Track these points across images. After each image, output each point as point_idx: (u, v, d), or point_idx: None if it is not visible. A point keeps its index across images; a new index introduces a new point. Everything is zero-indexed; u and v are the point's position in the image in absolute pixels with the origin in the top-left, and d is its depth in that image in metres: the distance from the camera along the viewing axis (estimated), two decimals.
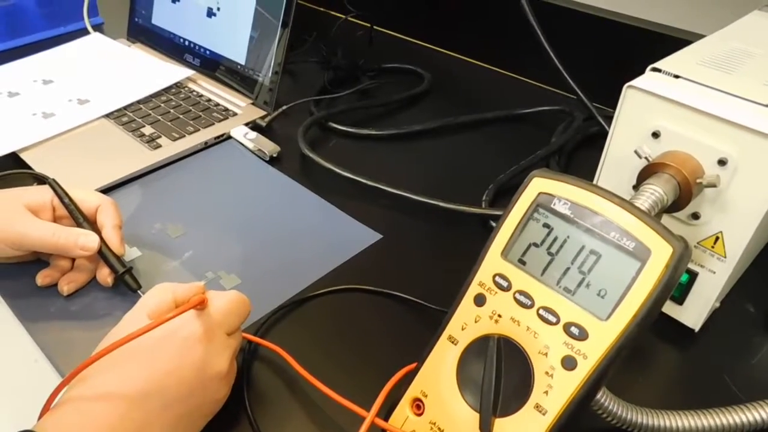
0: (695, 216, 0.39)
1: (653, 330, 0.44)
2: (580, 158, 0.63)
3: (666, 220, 0.40)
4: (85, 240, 0.43)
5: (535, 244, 0.31)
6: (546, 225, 0.31)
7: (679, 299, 0.43)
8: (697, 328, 0.43)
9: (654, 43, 0.66)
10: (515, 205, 0.32)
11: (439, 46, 0.89)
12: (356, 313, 0.45)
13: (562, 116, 0.68)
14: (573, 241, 0.30)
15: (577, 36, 0.72)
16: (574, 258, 0.30)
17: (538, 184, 0.32)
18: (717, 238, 0.39)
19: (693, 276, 0.41)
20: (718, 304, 0.45)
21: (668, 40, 0.65)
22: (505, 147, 0.65)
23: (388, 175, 0.56)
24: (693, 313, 0.43)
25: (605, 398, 0.33)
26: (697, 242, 0.40)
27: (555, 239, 0.30)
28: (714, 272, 0.40)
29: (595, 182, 0.44)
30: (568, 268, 0.30)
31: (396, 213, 0.55)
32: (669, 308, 0.44)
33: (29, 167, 0.57)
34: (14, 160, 0.59)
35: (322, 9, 1.00)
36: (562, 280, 0.30)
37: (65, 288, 0.45)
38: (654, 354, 0.43)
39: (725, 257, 0.39)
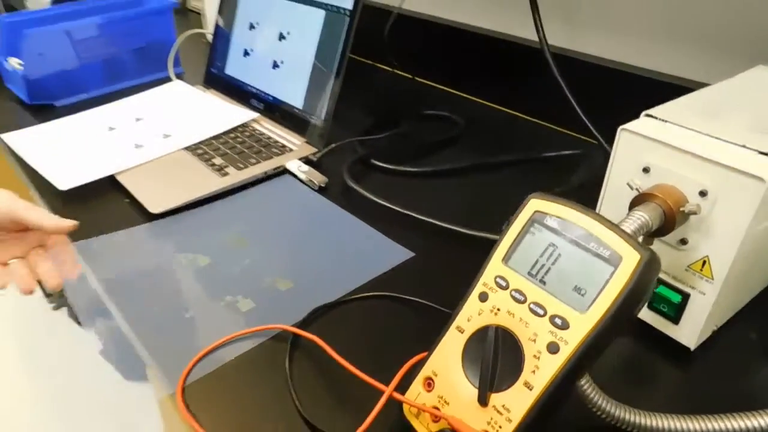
0: (683, 241, 0.45)
1: (653, 348, 0.49)
2: (596, 195, 0.69)
3: (658, 244, 0.46)
4: None
5: (530, 252, 0.37)
6: (539, 237, 0.37)
7: (675, 319, 0.48)
8: (692, 347, 0.48)
9: (668, 94, 0.72)
10: (515, 220, 0.39)
11: (472, 94, 0.97)
12: (384, 315, 0.52)
13: (582, 159, 0.75)
14: (560, 250, 0.36)
15: (600, 87, 0.79)
16: (560, 263, 0.36)
17: (535, 204, 0.38)
18: (704, 262, 0.44)
19: (685, 297, 0.46)
20: (716, 327, 0.49)
21: (682, 90, 0.71)
22: (527, 185, 0.71)
23: (420, 205, 0.64)
24: (688, 332, 0.48)
25: (601, 400, 0.37)
26: (687, 266, 0.45)
27: (546, 248, 0.37)
28: (704, 293, 0.45)
29: (597, 210, 0.50)
30: (553, 271, 0.36)
31: (427, 238, 0.62)
32: (666, 327, 0.49)
33: (124, 188, 0.68)
34: (112, 181, 0.70)
35: (369, 62, 1.11)
36: (548, 280, 0.36)
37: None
38: (652, 372, 0.48)
39: (713, 279, 0.44)
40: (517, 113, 0.92)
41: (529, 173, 0.75)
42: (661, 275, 0.47)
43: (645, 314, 0.50)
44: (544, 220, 0.38)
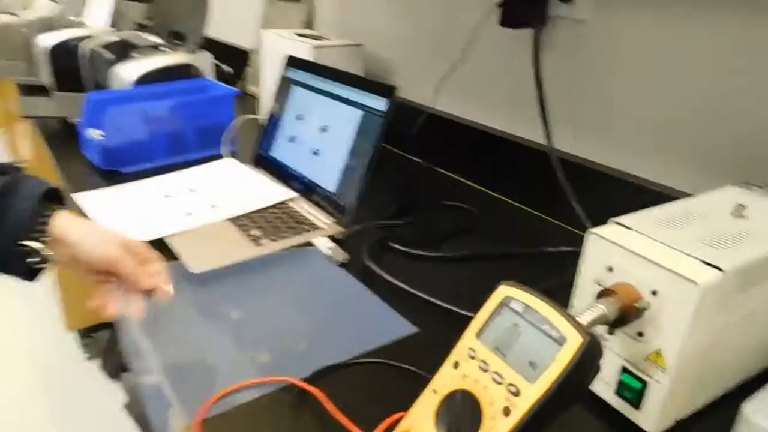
0: (641, 334, 0.51)
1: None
2: None
3: (621, 335, 0.53)
4: None
5: (497, 330, 0.45)
6: (506, 317, 0.45)
7: (637, 404, 0.53)
8: None
9: (657, 200, 0.80)
10: (488, 303, 0.47)
11: (488, 188, 1.08)
12: (382, 378, 0.59)
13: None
14: (520, 329, 0.44)
15: (600, 190, 0.87)
16: (520, 340, 0.43)
17: (504, 290, 0.46)
18: (658, 353, 0.51)
19: (644, 384, 0.52)
20: (677, 419, 0.54)
21: (669, 198, 0.78)
22: (527, 276, 0.79)
23: (429, 287, 0.72)
24: (648, 418, 0.53)
25: None
26: (645, 356, 0.52)
27: (509, 327, 0.44)
28: (659, 382, 0.51)
29: (571, 300, 0.57)
30: (514, 347, 0.43)
31: (431, 315, 0.70)
32: (630, 413, 0.54)
33: (172, 251, 0.79)
34: (161, 243, 0.81)
35: (398, 152, 1.23)
36: (509, 354, 0.43)
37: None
38: None
39: (665, 369, 0.50)
40: (526, 208, 1.01)
41: (530, 265, 0.83)
42: (624, 363, 0.53)
43: (612, 399, 0.55)
44: (511, 304, 0.45)
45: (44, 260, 0.61)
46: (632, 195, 0.85)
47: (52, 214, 0.62)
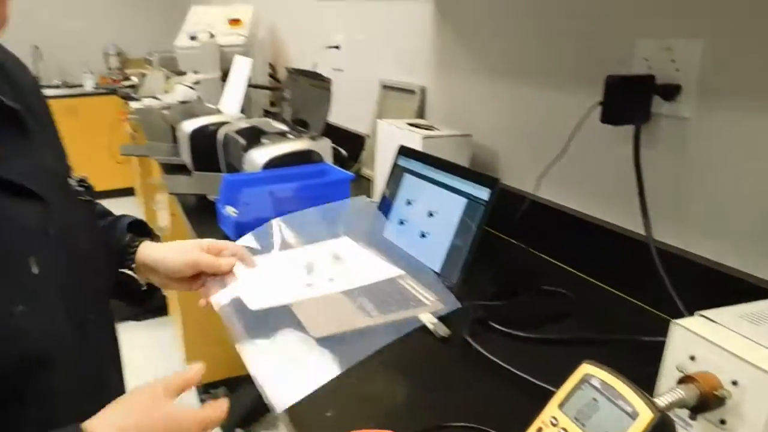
0: (723, 422, 0.54)
1: None
2: None
3: (704, 422, 0.55)
4: None
5: (578, 402, 0.51)
6: (586, 392, 0.51)
7: None
8: None
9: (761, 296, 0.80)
10: (570, 378, 0.53)
11: (587, 274, 1.11)
12: None
13: None
14: (598, 403, 0.49)
15: (700, 283, 0.89)
16: (597, 412, 0.49)
17: (585, 368, 0.52)
18: None
19: None
20: None
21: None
22: (621, 363, 0.81)
23: (524, 364, 0.78)
24: None
25: None
26: None
27: (588, 401, 0.50)
28: None
29: (656, 383, 0.61)
30: (592, 418, 0.49)
31: (524, 389, 0.75)
32: None
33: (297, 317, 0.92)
34: (286, 309, 0.94)
35: (500, 234, 1.30)
36: (588, 424, 0.49)
37: None
38: None
39: None
40: (625, 295, 1.03)
41: (625, 352, 0.85)
42: None
43: None
44: (591, 380, 0.51)
45: (140, 284, 0.75)
46: (732, 288, 0.86)
47: (139, 244, 0.76)
